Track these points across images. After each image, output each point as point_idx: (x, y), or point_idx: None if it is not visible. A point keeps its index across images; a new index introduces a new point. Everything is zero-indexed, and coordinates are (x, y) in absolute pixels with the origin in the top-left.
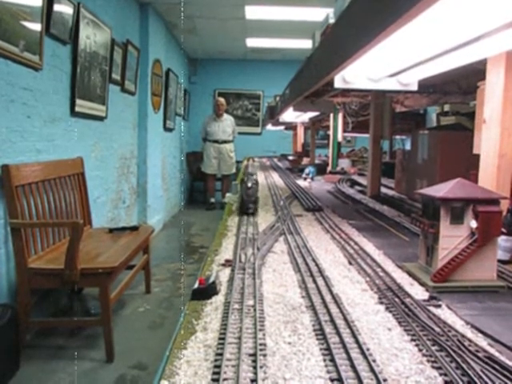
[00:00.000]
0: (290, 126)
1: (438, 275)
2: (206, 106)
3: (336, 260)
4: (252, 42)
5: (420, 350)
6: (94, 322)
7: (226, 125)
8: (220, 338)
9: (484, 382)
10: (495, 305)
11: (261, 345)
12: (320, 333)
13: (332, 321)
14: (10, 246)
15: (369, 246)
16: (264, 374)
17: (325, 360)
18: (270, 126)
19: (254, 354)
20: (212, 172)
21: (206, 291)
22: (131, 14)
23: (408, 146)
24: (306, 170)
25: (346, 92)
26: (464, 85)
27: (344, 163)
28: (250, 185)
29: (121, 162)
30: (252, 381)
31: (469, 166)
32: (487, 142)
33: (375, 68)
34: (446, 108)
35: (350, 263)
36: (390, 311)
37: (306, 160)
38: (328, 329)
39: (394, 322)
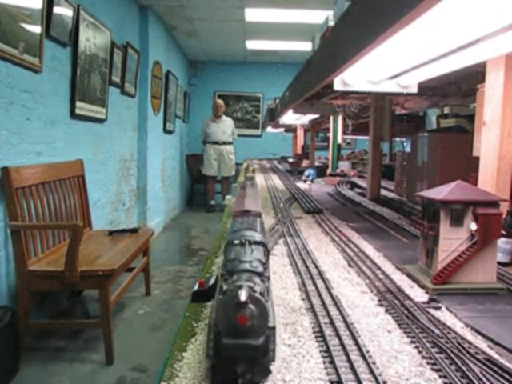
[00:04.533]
0: (290, 129)
1: (438, 277)
2: (205, 108)
3: (336, 262)
4: (252, 45)
5: (420, 352)
6: (93, 324)
7: (226, 126)
8: None
9: None
10: (495, 307)
11: None
12: (320, 335)
13: (332, 323)
14: (10, 248)
15: (368, 248)
16: None
17: (324, 362)
18: (269, 129)
19: None
20: (212, 174)
21: (206, 293)
22: (131, 16)
23: (408, 149)
24: (306, 173)
25: (345, 94)
26: (464, 87)
27: (344, 165)
28: (243, 298)
29: (121, 164)
30: None
31: (468, 168)
32: (487, 144)
33: (375, 70)
34: (446, 110)
35: (350, 265)
36: (390, 313)
37: (305, 162)
38: (328, 331)
39: (393, 324)
